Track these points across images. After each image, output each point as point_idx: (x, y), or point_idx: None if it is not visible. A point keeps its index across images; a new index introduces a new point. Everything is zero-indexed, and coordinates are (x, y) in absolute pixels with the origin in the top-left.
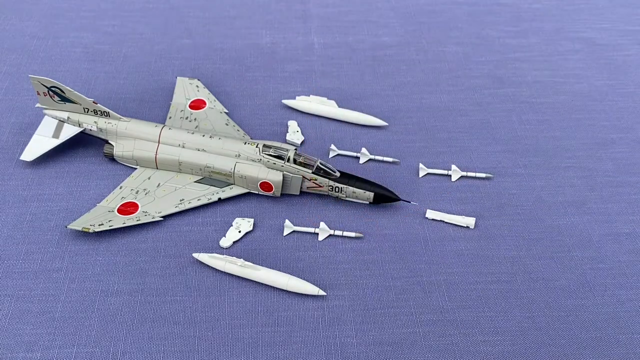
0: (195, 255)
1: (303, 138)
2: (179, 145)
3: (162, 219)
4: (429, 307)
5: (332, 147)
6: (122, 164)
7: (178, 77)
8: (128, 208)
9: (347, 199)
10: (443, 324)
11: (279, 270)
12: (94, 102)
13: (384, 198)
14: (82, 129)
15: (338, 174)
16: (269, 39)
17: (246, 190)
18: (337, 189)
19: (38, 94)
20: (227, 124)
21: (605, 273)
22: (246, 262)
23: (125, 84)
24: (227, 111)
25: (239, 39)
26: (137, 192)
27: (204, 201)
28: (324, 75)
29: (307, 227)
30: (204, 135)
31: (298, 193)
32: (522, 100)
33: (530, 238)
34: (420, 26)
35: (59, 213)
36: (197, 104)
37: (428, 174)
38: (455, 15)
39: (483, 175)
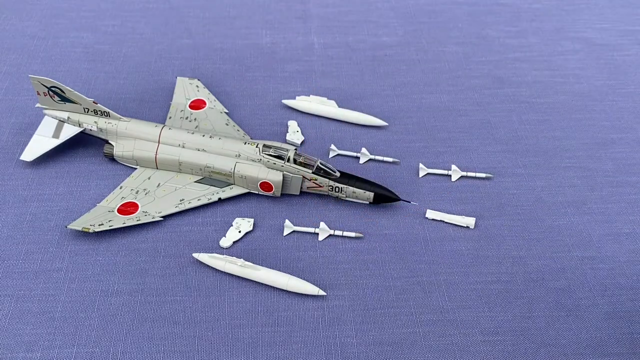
0: (195, 255)
1: (303, 138)
2: (179, 145)
3: (162, 219)
4: (429, 307)
5: (332, 147)
6: (122, 164)
7: (178, 77)
8: (128, 208)
9: (347, 199)
10: (443, 324)
11: (279, 270)
12: (94, 102)
13: (384, 198)
14: (82, 129)
15: (338, 174)
16: (269, 39)
17: (246, 190)
18: (337, 189)
19: (38, 94)
20: (227, 124)
21: (605, 273)
22: (246, 262)
23: (125, 84)
24: (227, 111)
25: (239, 39)
26: (137, 192)
27: (204, 201)
28: (324, 75)
29: (307, 227)
30: (204, 135)
31: (298, 193)
32: (522, 100)
33: (530, 238)
34: (420, 26)
35: (59, 213)
36: (197, 104)
37: (428, 174)
38: (455, 15)
39: (483, 175)
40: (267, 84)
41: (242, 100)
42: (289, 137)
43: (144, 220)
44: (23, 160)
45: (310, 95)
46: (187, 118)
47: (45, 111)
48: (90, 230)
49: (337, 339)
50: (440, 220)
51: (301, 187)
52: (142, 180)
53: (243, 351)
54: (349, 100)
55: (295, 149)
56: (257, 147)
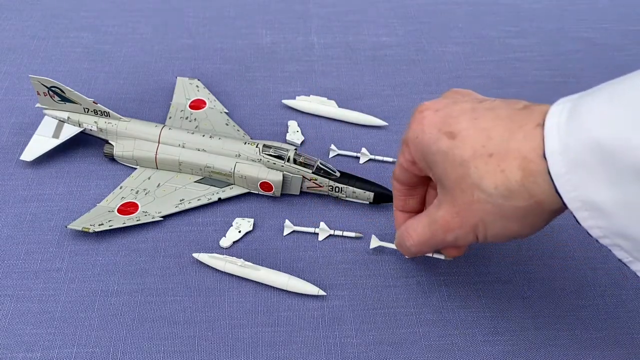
0: (195, 255)
1: (303, 138)
2: (179, 145)
3: (162, 219)
4: (429, 307)
5: (332, 147)
6: (122, 164)
7: (178, 77)
8: (128, 208)
9: (347, 199)
10: (443, 324)
11: (279, 270)
12: (94, 102)
13: (384, 198)
14: (82, 129)
15: (338, 174)
16: (269, 39)
17: (246, 190)
18: (337, 189)
19: (38, 94)
20: (227, 124)
21: (605, 273)
22: (246, 262)
23: (125, 84)
24: (227, 111)
25: (239, 39)
26: (137, 192)
27: (204, 201)
28: (324, 75)
29: (307, 227)
30: (204, 135)
31: (298, 193)
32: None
33: (530, 238)
34: (420, 26)
35: (59, 213)
36: (197, 104)
37: None
38: (455, 15)
39: None
40: (267, 84)
41: (242, 100)
42: (289, 137)
43: (144, 220)
44: (23, 160)
45: (310, 95)
46: (187, 118)
47: (45, 111)
48: (90, 230)
49: (337, 339)
50: None
51: (301, 187)
52: (142, 180)
53: (243, 351)
54: (349, 100)
55: (295, 149)
56: (257, 147)
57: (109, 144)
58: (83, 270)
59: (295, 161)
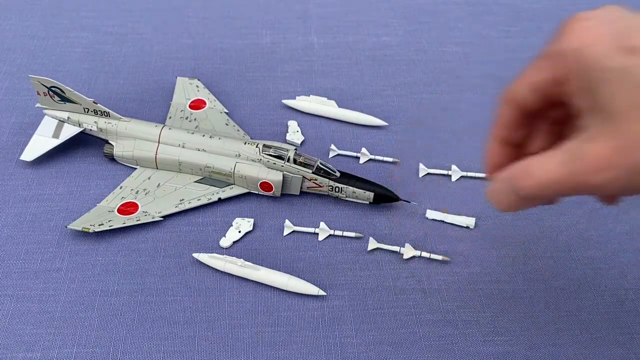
0: (195, 255)
1: (303, 138)
2: (179, 145)
3: (162, 219)
4: (429, 307)
5: (332, 147)
6: (122, 164)
7: (178, 77)
8: (128, 208)
9: (347, 199)
10: (443, 324)
11: (279, 270)
12: (94, 102)
13: (384, 198)
14: (82, 129)
15: (338, 174)
16: (269, 39)
17: (246, 190)
18: (337, 189)
19: (38, 94)
20: (227, 124)
21: (605, 273)
22: (246, 262)
23: (125, 84)
24: (227, 111)
25: (239, 39)
26: (137, 192)
27: (204, 201)
28: (324, 75)
29: (307, 227)
30: (204, 135)
31: (298, 193)
32: None
33: (530, 238)
34: (420, 26)
35: (59, 213)
36: (197, 104)
37: (428, 174)
38: (455, 15)
39: (483, 175)
40: (267, 84)
41: (242, 100)
42: (289, 137)
43: (144, 220)
44: (23, 160)
45: (310, 95)
46: (187, 118)
47: (45, 111)
48: (90, 230)
49: (337, 339)
50: (440, 221)
51: (301, 187)
52: (142, 180)
53: (243, 351)
54: (349, 100)
55: (295, 149)
56: (257, 147)
57: (109, 144)
58: (83, 270)
59: (295, 161)
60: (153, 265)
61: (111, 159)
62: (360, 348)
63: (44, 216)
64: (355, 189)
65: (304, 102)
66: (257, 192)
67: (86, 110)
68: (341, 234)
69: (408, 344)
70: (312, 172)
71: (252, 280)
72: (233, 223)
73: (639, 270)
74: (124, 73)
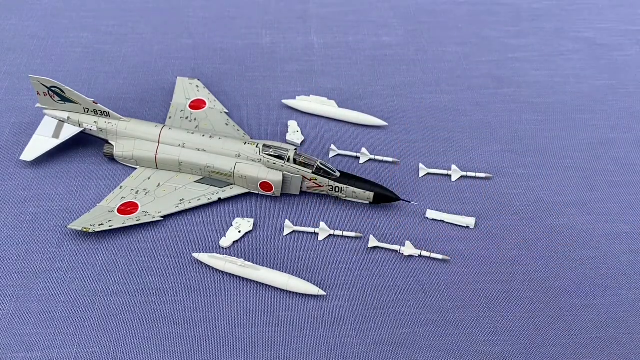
0: (195, 255)
1: (303, 138)
2: (179, 145)
3: (162, 219)
4: (429, 307)
5: (332, 147)
6: (122, 164)
7: (178, 77)
8: (128, 208)
9: (347, 199)
10: (443, 324)
11: (279, 270)
12: (94, 102)
13: (384, 198)
14: (82, 129)
15: (338, 174)
16: (269, 39)
17: (246, 190)
18: (337, 189)
19: (38, 94)
20: (227, 124)
21: (605, 273)
22: (246, 262)
23: (125, 84)
24: (227, 111)
25: (239, 39)
26: (137, 192)
27: (204, 201)
28: (324, 75)
29: (307, 227)
30: (204, 135)
31: (298, 193)
32: (522, 100)
33: (530, 238)
34: (420, 26)
35: (59, 213)
36: (197, 104)
37: (428, 174)
38: (455, 15)
39: (483, 175)
40: (267, 84)
41: (242, 100)
42: (289, 137)
43: (144, 220)
44: (23, 160)
45: (310, 95)
46: (187, 118)
47: (45, 111)
48: (90, 230)
49: (337, 339)
50: (440, 220)
51: (301, 187)
52: (142, 180)
53: (243, 351)
54: (349, 100)
55: (295, 149)
56: (257, 147)
57: (109, 144)
58: (83, 270)
59: (295, 161)
60: (153, 265)
61: (111, 159)
62: (360, 348)
63: (44, 216)
64: (355, 189)
65: (304, 102)
66: (257, 192)
67: (86, 110)
68: (341, 234)
69: (408, 344)
70: (312, 172)
71: (252, 280)
72: (233, 223)
73: (639, 271)
74: (124, 73)
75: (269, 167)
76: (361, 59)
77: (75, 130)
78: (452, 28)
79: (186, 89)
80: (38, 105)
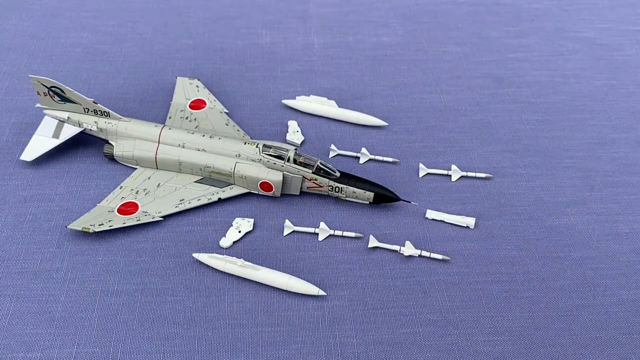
0: (195, 255)
1: (303, 138)
2: (179, 145)
3: (162, 219)
4: (429, 307)
5: (332, 147)
6: (122, 164)
7: (178, 77)
8: (128, 208)
9: (347, 199)
10: (443, 324)
11: (279, 270)
12: (94, 102)
13: (384, 198)
14: (82, 129)
15: (338, 174)
16: (269, 39)
17: (246, 190)
18: (337, 189)
19: (38, 94)
20: (227, 124)
21: (605, 273)
22: (246, 262)
23: (125, 84)
24: (227, 111)
25: (239, 39)
26: (137, 192)
27: (204, 201)
28: (324, 75)
29: (307, 227)
30: (204, 135)
31: (298, 193)
32: (522, 100)
33: (530, 238)
34: (420, 26)
35: (59, 213)
36: (197, 104)
37: (428, 174)
38: (455, 15)
39: (483, 175)
40: (267, 84)
41: (242, 100)
42: (289, 137)
43: (144, 220)
44: (23, 160)
45: (310, 95)
46: (187, 118)
47: (45, 111)
48: (90, 230)
49: (337, 339)
50: (440, 220)
51: (301, 187)
52: (142, 180)
53: (243, 351)
54: (349, 100)
55: (295, 149)
56: (257, 147)
57: (109, 144)
58: (83, 270)
59: (295, 161)
60: (153, 265)
61: (111, 159)
62: (360, 348)
63: (44, 216)
64: (355, 189)
65: (304, 102)
66: (257, 192)
67: (86, 110)
68: (341, 234)
69: (408, 344)
70: (312, 172)
71: (252, 280)
72: (233, 223)
73: (639, 270)
74: (124, 73)
75: (269, 167)
76: (361, 59)
77: (75, 130)
78: (452, 28)
79: (186, 89)
80: (38, 105)
